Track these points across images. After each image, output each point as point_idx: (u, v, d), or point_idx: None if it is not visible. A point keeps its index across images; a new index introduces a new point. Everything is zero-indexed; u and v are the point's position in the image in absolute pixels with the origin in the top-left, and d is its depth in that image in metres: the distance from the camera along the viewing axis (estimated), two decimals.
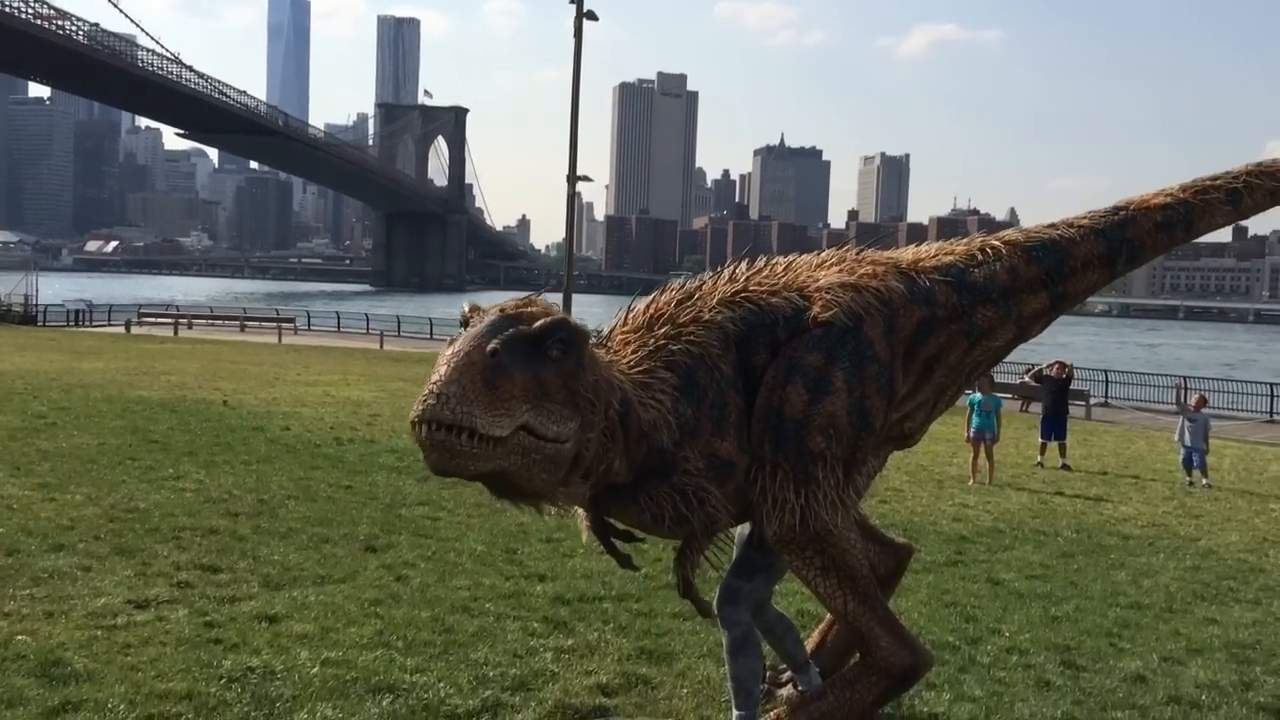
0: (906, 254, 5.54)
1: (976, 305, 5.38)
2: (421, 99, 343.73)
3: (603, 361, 4.57)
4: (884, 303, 5.12)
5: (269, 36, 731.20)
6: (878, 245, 5.62)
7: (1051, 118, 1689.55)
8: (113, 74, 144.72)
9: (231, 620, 6.75)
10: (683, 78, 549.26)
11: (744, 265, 5.28)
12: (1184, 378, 27.96)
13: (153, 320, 54.18)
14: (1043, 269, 5.49)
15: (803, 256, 5.47)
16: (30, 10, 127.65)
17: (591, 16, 38.42)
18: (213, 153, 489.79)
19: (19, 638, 6.19)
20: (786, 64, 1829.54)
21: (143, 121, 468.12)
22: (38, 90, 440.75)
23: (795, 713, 5.07)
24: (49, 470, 11.59)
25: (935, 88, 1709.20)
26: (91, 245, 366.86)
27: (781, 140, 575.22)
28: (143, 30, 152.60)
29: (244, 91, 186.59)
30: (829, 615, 5.88)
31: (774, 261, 5.36)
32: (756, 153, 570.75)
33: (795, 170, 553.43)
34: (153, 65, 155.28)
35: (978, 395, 15.74)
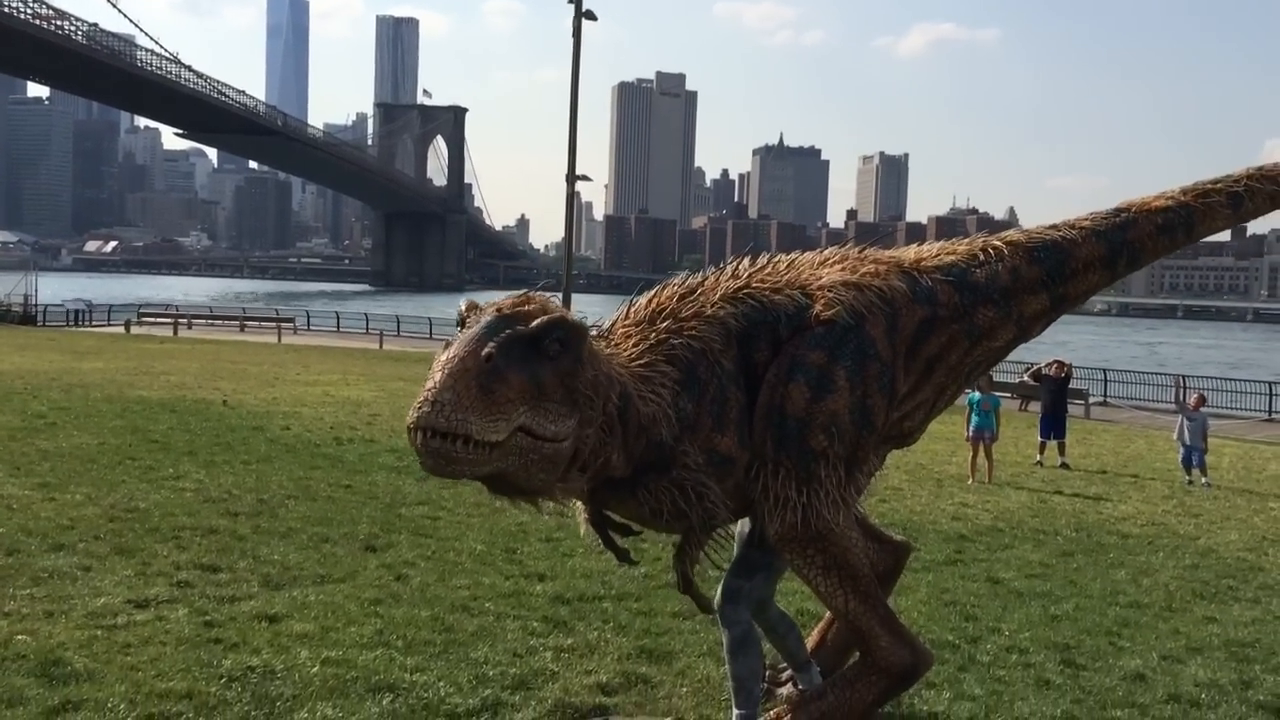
0: (909, 253, 5.54)
1: (978, 305, 5.38)
2: (420, 99, 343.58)
3: (602, 355, 4.55)
4: (886, 302, 5.13)
5: (268, 36, 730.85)
6: (879, 244, 5.63)
7: (1050, 117, 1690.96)
8: (112, 74, 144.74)
9: (231, 620, 6.75)
10: (681, 77, 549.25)
11: (747, 262, 5.28)
12: (1182, 376, 27.95)
13: (152, 320, 54.19)
14: (1044, 270, 5.50)
15: (805, 254, 5.48)
16: (29, 10, 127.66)
17: (590, 16, 38.43)
18: (212, 152, 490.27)
19: (19, 637, 6.19)
20: (785, 63, 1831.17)
21: (142, 121, 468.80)
22: (36, 90, 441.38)
23: (796, 711, 5.08)
24: (49, 470, 11.59)
25: (934, 87, 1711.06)
26: (91, 245, 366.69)
27: (780, 140, 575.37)
28: (142, 30, 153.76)
29: (243, 91, 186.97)
30: (828, 614, 5.89)
31: (777, 259, 5.36)
32: (755, 152, 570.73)
33: (794, 170, 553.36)
34: (152, 65, 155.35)
35: (977, 394, 15.74)
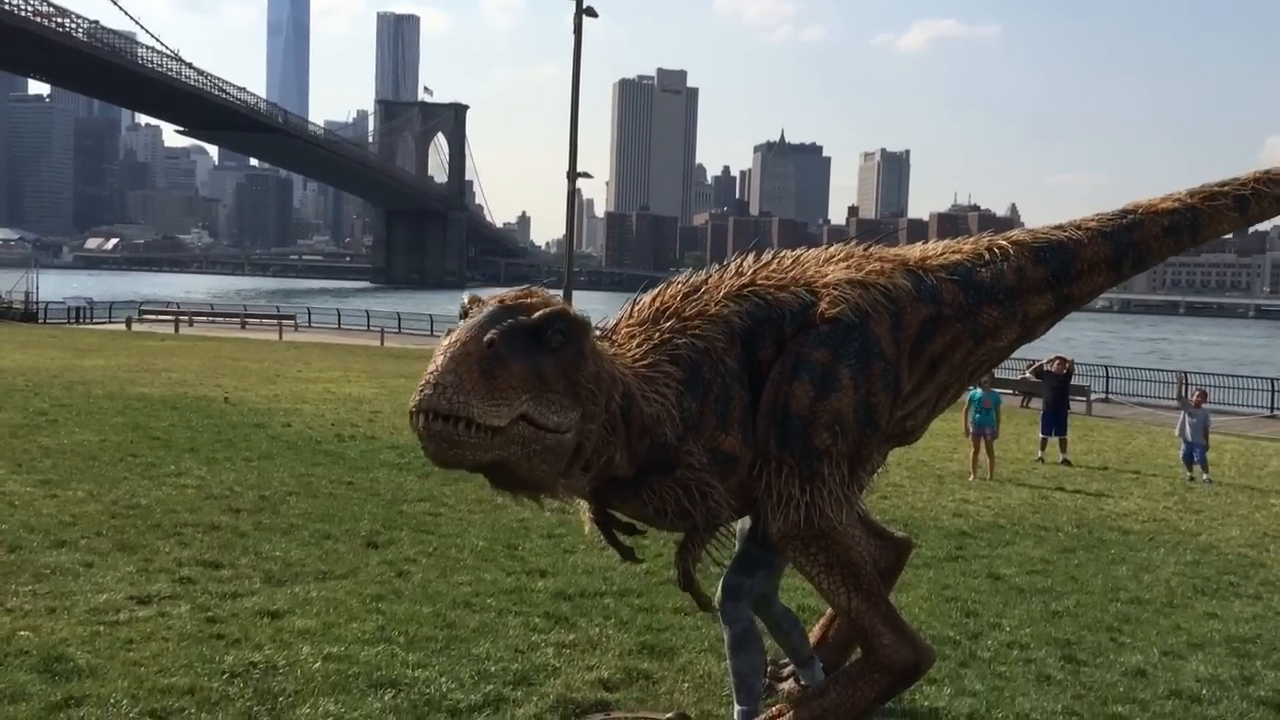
0: (914, 251, 5.54)
1: (982, 305, 5.38)
2: (421, 96, 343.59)
3: (605, 353, 4.54)
4: (891, 300, 5.12)
5: (268, 33, 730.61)
6: (885, 241, 5.62)
7: (1051, 114, 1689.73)
8: (113, 71, 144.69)
9: (233, 616, 6.76)
10: (682, 74, 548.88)
11: (751, 259, 5.27)
12: (1184, 373, 27.95)
13: (154, 317, 54.22)
14: (1049, 270, 5.50)
15: (810, 251, 5.46)
16: (30, 7, 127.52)
17: (591, 13, 38.38)
18: (213, 150, 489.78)
19: (21, 633, 6.20)
20: (786, 60, 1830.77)
21: (142, 119, 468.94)
22: (37, 88, 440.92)
23: (797, 708, 5.08)
24: (50, 467, 11.60)
25: (935, 84, 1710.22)
26: (92, 243, 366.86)
27: (782, 136, 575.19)
28: (142, 27, 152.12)
29: (244, 89, 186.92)
30: (829, 610, 5.89)
31: (781, 256, 5.35)
32: (756, 149, 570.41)
33: (795, 166, 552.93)
34: (152, 62, 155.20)
35: (978, 391, 15.74)
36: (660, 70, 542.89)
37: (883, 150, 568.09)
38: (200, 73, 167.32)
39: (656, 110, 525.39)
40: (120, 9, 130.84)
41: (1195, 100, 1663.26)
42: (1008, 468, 16.35)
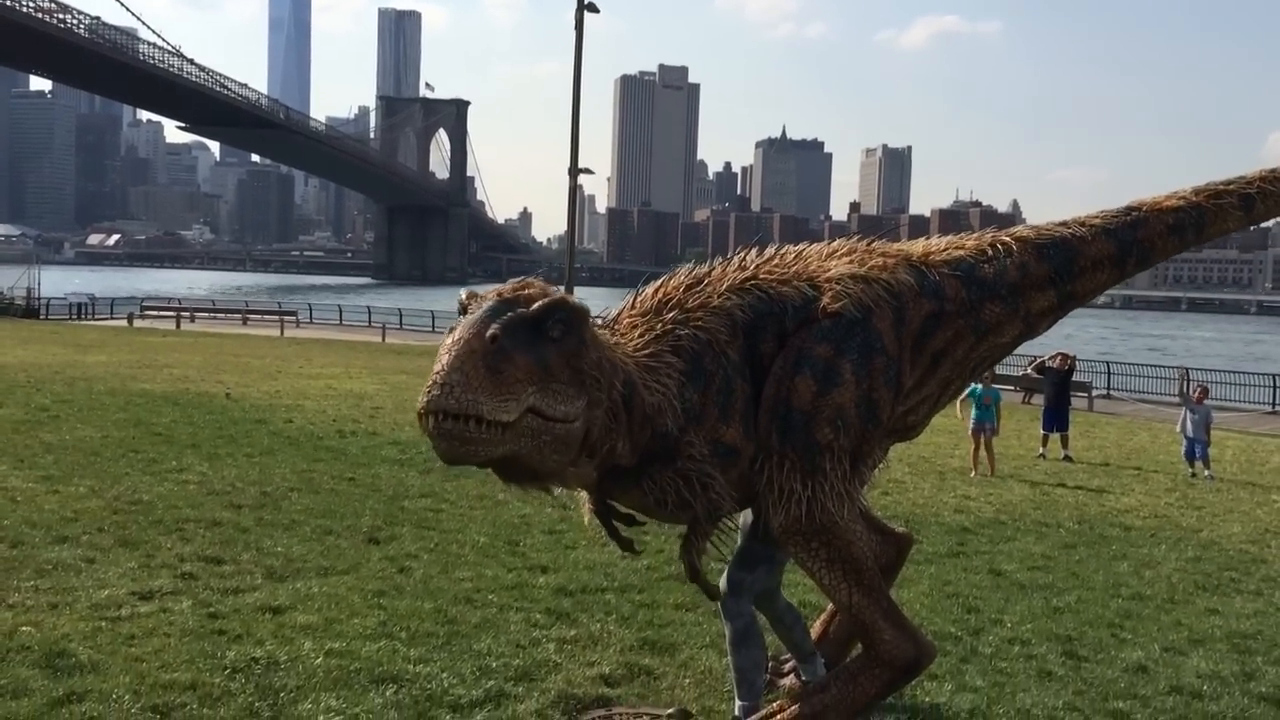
0: (917, 247, 5.53)
1: (985, 301, 5.36)
2: (423, 92, 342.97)
3: (606, 341, 4.56)
4: (893, 295, 5.12)
5: (270, 30, 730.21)
6: (888, 236, 5.61)
7: (1052, 110, 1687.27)
8: (114, 67, 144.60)
9: (235, 611, 6.76)
10: (684, 70, 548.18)
11: (754, 253, 5.26)
12: (1186, 369, 27.92)
13: (155, 314, 54.27)
14: (1052, 267, 5.48)
15: (813, 246, 5.46)
16: (31, 4, 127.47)
17: (592, 9, 38.33)
18: (214, 146, 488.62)
19: (24, 629, 6.21)
20: (787, 56, 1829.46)
21: (144, 115, 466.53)
22: (39, 84, 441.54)
23: (799, 703, 5.08)
24: (52, 463, 11.61)
25: (937, 80, 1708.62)
26: (93, 239, 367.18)
27: (783, 132, 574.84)
28: (144, 24, 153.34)
29: (245, 85, 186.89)
30: (830, 606, 5.89)
31: (784, 250, 5.35)
32: (758, 145, 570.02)
33: (797, 162, 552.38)
34: (154, 59, 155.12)
35: (979, 388, 15.73)
36: (662, 66, 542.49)
37: (884, 146, 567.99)
38: (202, 69, 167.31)
39: (658, 106, 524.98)
40: (122, 5, 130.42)
41: (1195, 97, 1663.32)
42: (1009, 464, 16.35)
